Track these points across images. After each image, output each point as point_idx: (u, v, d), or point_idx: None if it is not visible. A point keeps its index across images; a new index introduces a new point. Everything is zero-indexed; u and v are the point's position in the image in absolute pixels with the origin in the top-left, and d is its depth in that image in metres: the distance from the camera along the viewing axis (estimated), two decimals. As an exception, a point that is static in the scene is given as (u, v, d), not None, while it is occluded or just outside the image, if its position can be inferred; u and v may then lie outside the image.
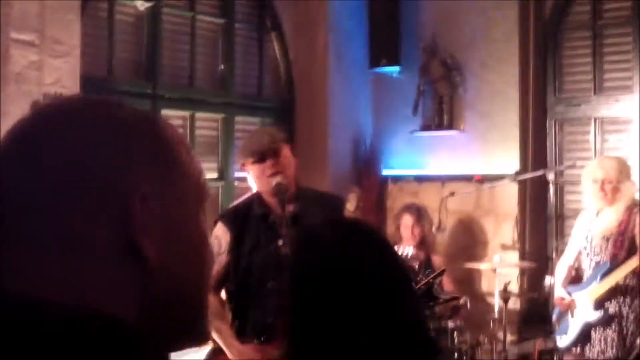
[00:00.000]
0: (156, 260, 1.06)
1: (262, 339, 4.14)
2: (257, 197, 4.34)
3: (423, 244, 6.71)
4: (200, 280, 1.14)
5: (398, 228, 6.64)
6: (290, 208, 4.17)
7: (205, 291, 1.16)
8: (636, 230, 5.48)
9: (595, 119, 7.59)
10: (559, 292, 5.81)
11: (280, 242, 4.18)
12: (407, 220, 6.62)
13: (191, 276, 1.12)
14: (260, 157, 4.20)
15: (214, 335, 4.22)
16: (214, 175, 7.12)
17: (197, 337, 1.15)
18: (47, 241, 1.03)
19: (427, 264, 6.52)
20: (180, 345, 1.12)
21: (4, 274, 1.03)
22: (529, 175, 7.15)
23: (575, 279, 5.90)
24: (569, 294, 5.72)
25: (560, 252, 7.17)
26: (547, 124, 7.78)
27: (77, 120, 1.10)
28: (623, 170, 5.61)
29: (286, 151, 4.29)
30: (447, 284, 6.25)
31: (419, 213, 6.81)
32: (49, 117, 1.10)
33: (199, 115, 7.06)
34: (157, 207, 1.07)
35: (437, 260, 6.76)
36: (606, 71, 7.60)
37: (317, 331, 1.87)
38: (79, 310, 0.99)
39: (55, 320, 0.98)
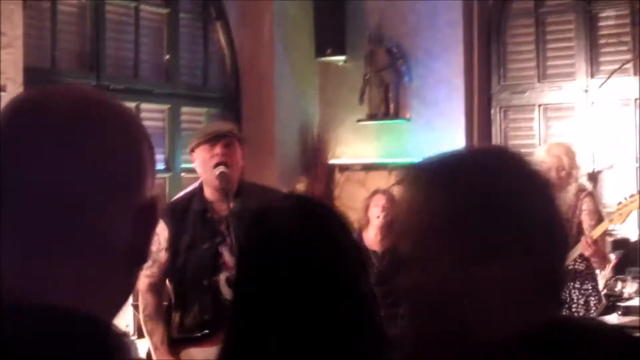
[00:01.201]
0: None
1: (200, 335, 4.09)
2: (199, 191, 4.26)
3: (390, 229, 6.53)
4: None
5: (367, 209, 6.47)
6: (230, 205, 4.09)
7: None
8: (583, 216, 5.54)
9: (539, 106, 7.67)
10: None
11: (217, 240, 4.13)
12: (379, 199, 6.43)
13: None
14: (212, 139, 4.13)
15: (147, 336, 4.20)
16: (161, 166, 7.05)
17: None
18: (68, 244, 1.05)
19: (393, 251, 6.40)
20: None
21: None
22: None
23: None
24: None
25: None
26: (492, 112, 7.85)
27: (99, 121, 1.10)
28: (572, 156, 5.66)
29: (238, 148, 4.24)
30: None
31: (392, 196, 6.69)
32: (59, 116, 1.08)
33: (145, 106, 6.99)
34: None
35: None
36: (549, 58, 7.69)
37: (264, 312, 1.82)
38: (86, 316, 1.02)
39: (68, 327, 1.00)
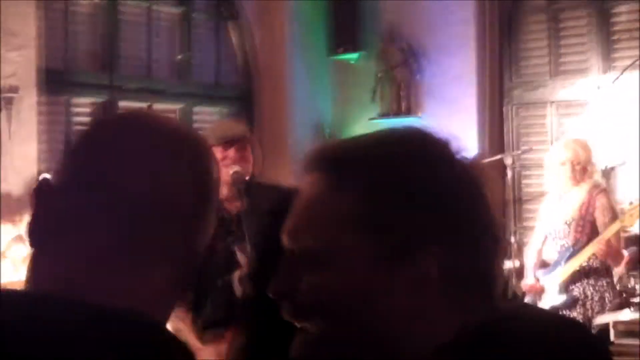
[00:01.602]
0: None
1: (214, 333, 4.09)
2: None
3: None
4: None
5: None
6: (243, 203, 4.09)
7: None
8: (597, 214, 5.54)
9: (551, 102, 7.66)
10: (529, 279, 5.86)
11: (230, 239, 4.15)
12: None
13: None
14: (228, 142, 4.16)
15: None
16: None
17: None
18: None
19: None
20: None
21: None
22: (487, 160, 7.18)
23: (544, 264, 5.95)
24: (537, 280, 5.77)
25: (518, 236, 7.25)
26: (505, 109, 7.84)
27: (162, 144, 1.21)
28: (588, 151, 5.66)
29: (250, 150, 4.25)
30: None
31: None
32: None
33: (158, 106, 7.00)
34: None
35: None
36: (562, 54, 7.67)
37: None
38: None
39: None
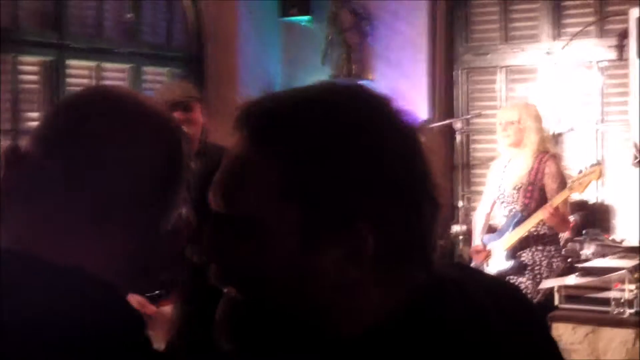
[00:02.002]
0: None
1: (156, 294, 4.07)
2: None
3: None
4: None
5: None
6: (192, 164, 4.05)
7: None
8: (546, 179, 5.57)
9: (502, 68, 7.70)
10: (476, 243, 5.89)
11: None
12: None
13: None
14: (173, 104, 4.12)
15: None
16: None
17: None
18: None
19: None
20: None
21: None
22: (436, 124, 7.21)
23: (492, 228, 5.99)
24: (484, 245, 5.81)
25: (467, 200, 7.31)
26: (455, 73, 7.86)
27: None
28: (529, 113, 5.65)
29: (198, 110, 4.22)
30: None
31: None
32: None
33: (106, 65, 6.92)
34: None
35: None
36: (513, 20, 7.69)
37: None
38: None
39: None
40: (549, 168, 5.57)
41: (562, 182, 5.55)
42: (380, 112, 1.16)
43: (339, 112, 1.13)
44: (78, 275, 1.07)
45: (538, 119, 5.69)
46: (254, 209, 1.11)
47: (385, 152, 1.12)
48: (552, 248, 5.60)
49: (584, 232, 6.48)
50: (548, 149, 5.75)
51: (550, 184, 5.54)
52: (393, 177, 1.12)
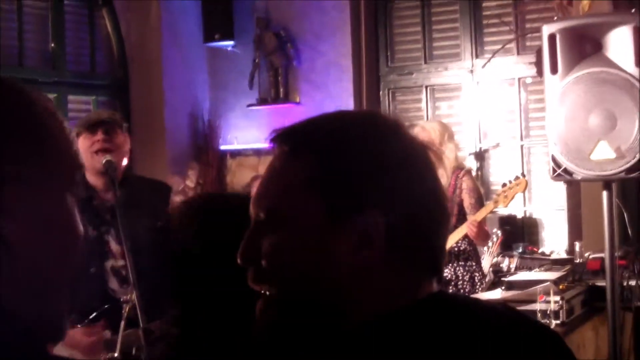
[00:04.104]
0: (19, 244, 1.01)
1: (87, 321, 4.05)
2: (82, 179, 4.19)
3: None
4: (62, 267, 1.11)
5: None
6: (117, 193, 4.04)
7: (67, 279, 1.13)
8: (463, 195, 5.64)
9: (426, 87, 7.79)
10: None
11: (103, 228, 4.11)
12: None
13: (54, 263, 1.08)
14: (91, 128, 4.09)
15: None
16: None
17: (52, 333, 1.10)
18: None
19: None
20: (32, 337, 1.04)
21: None
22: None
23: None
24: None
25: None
26: (380, 93, 7.94)
27: None
28: (445, 133, 5.73)
29: (122, 137, 4.20)
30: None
31: None
32: None
33: (30, 95, 6.85)
34: (23, 189, 1.01)
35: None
36: (435, 39, 7.80)
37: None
38: None
39: None
40: (466, 183, 5.64)
41: (479, 197, 5.64)
42: (392, 125, 1.36)
43: (355, 123, 1.37)
44: None
45: (453, 137, 5.78)
46: (285, 204, 1.30)
47: (396, 155, 1.31)
48: (474, 263, 5.67)
49: (512, 246, 6.58)
50: (463, 165, 5.83)
51: (467, 199, 5.61)
52: (403, 177, 1.30)
